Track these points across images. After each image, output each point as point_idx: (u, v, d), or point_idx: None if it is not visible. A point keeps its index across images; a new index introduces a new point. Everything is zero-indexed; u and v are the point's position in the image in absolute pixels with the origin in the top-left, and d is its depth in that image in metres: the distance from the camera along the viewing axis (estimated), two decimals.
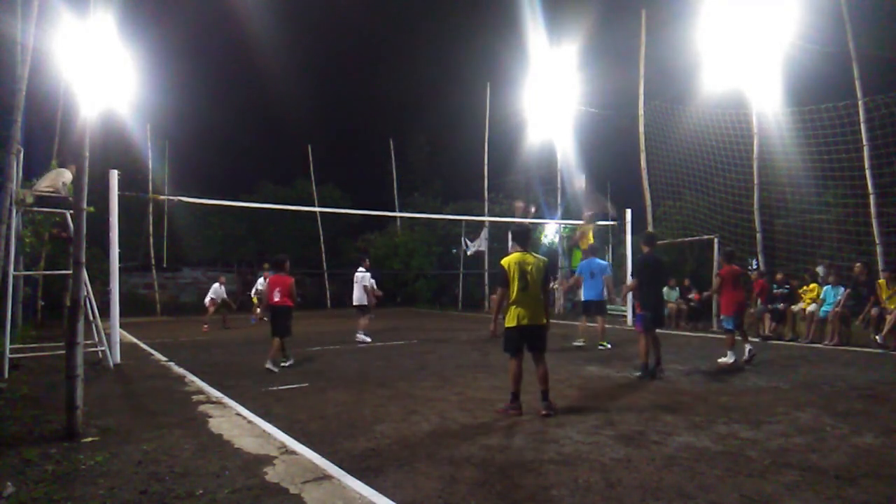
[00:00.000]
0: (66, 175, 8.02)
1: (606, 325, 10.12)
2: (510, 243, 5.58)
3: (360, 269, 11.31)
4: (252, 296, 16.20)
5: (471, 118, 23.09)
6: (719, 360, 7.90)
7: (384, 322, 15.39)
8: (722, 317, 8.23)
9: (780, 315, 11.07)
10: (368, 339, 10.95)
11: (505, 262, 5.30)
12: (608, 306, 16.67)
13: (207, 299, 13.84)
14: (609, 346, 9.61)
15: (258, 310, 16.00)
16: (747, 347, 7.88)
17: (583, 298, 10.06)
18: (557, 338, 10.47)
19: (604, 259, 20.93)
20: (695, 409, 5.29)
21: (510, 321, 5.20)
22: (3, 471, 3.75)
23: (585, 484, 3.45)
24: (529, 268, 5.22)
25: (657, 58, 15.96)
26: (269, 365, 7.75)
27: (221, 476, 3.63)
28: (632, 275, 7.32)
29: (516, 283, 5.16)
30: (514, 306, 5.17)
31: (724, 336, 8.44)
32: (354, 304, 11.16)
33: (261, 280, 15.96)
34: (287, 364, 8.08)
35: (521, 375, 5.20)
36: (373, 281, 17.55)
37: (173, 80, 23.83)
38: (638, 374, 6.94)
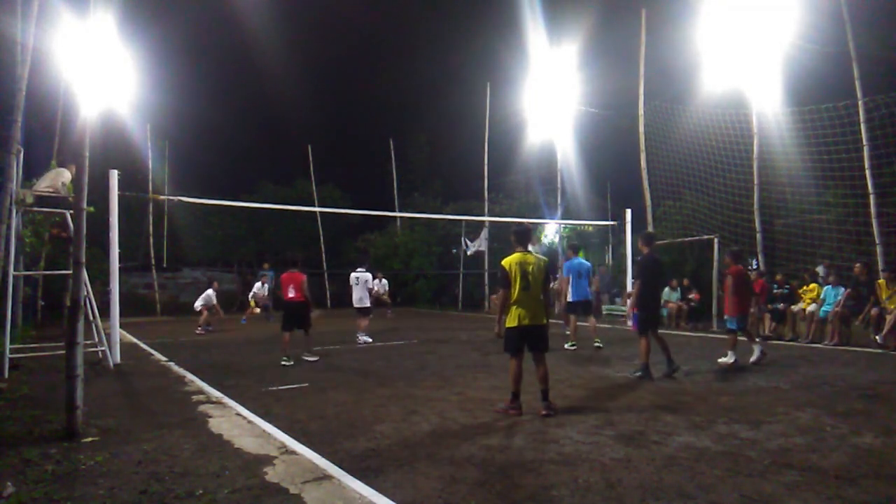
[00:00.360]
0: (66, 175, 8.02)
1: (606, 326, 10.09)
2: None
3: (360, 269, 11.24)
4: (249, 298, 16.19)
5: (471, 118, 23.09)
6: (719, 360, 7.90)
7: (384, 322, 15.38)
8: (726, 317, 8.19)
9: (780, 315, 11.07)
10: (370, 340, 10.94)
11: (506, 262, 5.29)
12: (607, 307, 16.80)
13: (199, 305, 13.74)
14: (601, 344, 9.63)
15: (257, 310, 16.01)
16: (757, 349, 7.86)
17: (570, 299, 9.90)
18: (557, 338, 10.47)
19: (603, 259, 21.04)
20: (695, 409, 5.29)
21: (511, 321, 5.20)
22: (3, 471, 3.75)
23: (585, 484, 3.45)
24: (530, 268, 5.22)
25: (657, 58, 15.98)
26: (307, 357, 8.51)
27: (221, 476, 3.63)
28: (634, 276, 7.30)
29: (518, 283, 5.16)
30: (515, 306, 5.17)
31: (725, 336, 8.44)
32: (356, 305, 11.08)
33: (258, 284, 16.08)
34: (288, 364, 8.13)
35: (521, 375, 5.21)
36: (385, 282, 17.67)
37: (173, 80, 23.83)
38: (638, 374, 6.94)
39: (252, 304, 16.01)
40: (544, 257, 5.50)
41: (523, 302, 5.16)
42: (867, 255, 11.41)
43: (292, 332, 8.48)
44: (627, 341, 10.33)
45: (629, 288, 14.49)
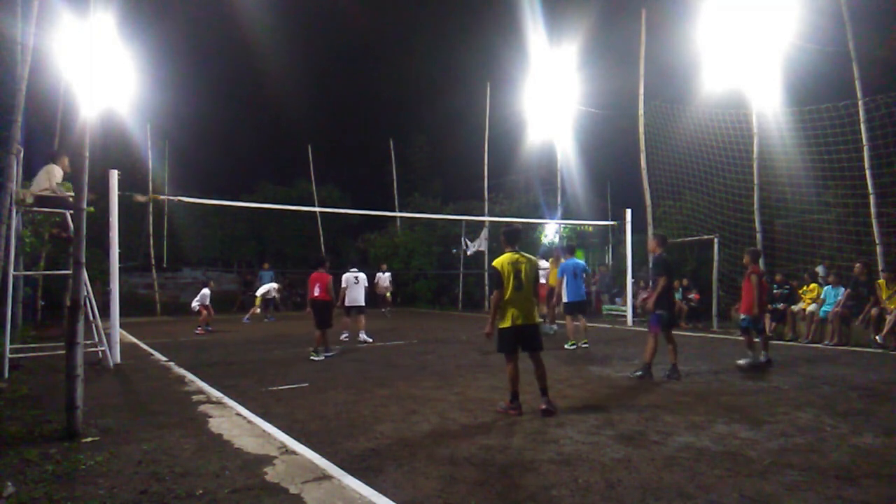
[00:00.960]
0: (57, 173, 7.91)
1: (606, 325, 10.10)
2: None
3: (353, 269, 11.29)
4: (255, 296, 16.28)
5: (471, 118, 23.10)
6: (738, 363, 7.61)
7: (384, 322, 15.38)
8: (742, 316, 8.04)
9: (780, 315, 11.07)
10: (370, 340, 10.94)
11: (497, 263, 5.31)
12: (607, 307, 16.80)
13: (196, 305, 13.73)
14: (587, 344, 9.67)
15: (258, 310, 16.06)
16: (764, 355, 7.79)
17: (567, 299, 9.81)
18: (557, 338, 10.47)
19: (603, 259, 21.03)
20: (695, 409, 5.29)
21: (505, 321, 5.21)
22: (3, 471, 3.75)
23: (585, 484, 3.45)
24: (523, 267, 5.24)
25: (657, 58, 15.97)
26: (313, 356, 8.69)
27: (221, 476, 3.63)
28: (658, 274, 7.20)
29: (511, 283, 5.17)
30: (508, 306, 5.18)
31: (727, 336, 8.41)
32: (349, 304, 10.96)
33: (273, 286, 16.49)
34: (332, 354, 8.75)
35: (518, 375, 5.22)
36: (388, 275, 17.86)
37: (173, 80, 23.90)
38: (639, 374, 6.94)
39: (256, 302, 16.12)
40: (534, 257, 5.52)
41: (516, 301, 5.17)
42: (867, 255, 11.39)
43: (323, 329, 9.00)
44: (627, 341, 10.35)
45: (629, 288, 14.50)
